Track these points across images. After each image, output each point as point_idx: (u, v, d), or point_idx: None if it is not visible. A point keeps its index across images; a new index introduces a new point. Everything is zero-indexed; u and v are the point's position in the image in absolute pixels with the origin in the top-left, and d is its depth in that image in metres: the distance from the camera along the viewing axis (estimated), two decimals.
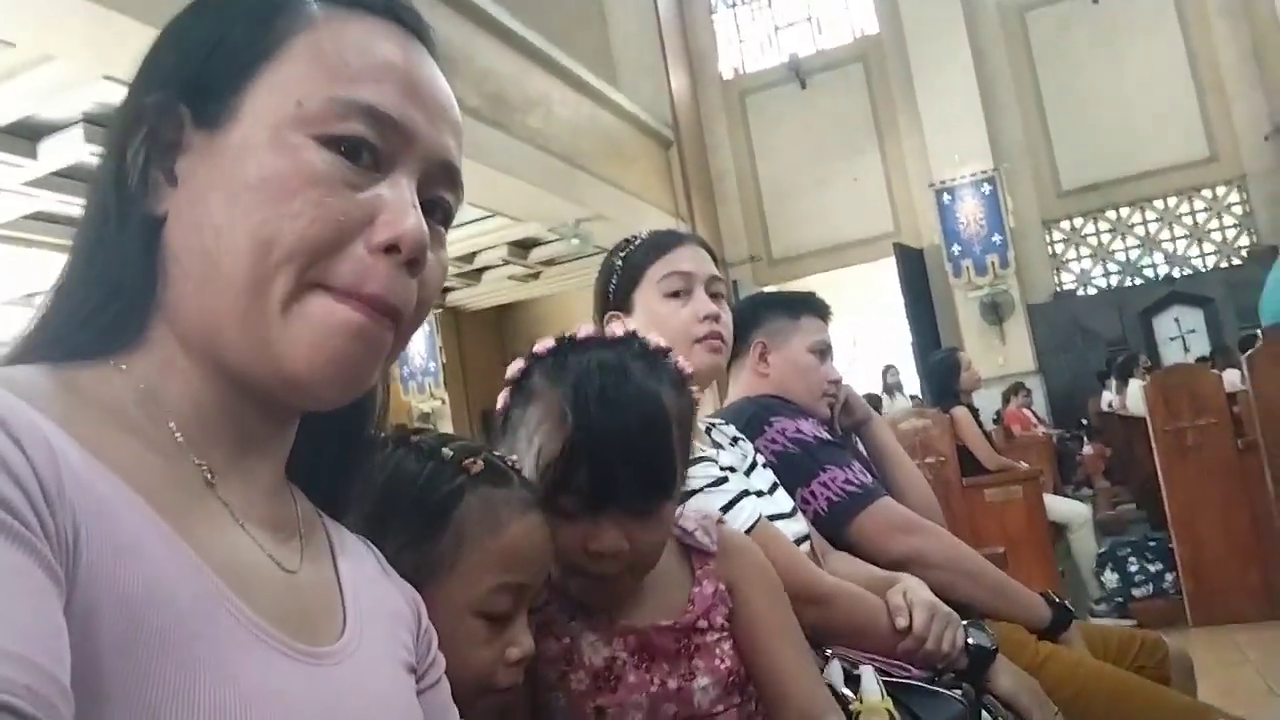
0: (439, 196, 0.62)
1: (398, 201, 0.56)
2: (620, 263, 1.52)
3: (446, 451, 0.85)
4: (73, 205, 6.26)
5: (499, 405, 0.98)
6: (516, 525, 0.83)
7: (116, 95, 5.07)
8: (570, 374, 0.90)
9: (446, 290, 10.78)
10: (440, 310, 10.97)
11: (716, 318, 1.46)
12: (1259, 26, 8.79)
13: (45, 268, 7.17)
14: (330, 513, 0.70)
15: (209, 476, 0.56)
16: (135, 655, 0.44)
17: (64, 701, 0.37)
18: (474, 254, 9.61)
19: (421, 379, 10.97)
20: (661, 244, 1.52)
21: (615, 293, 1.51)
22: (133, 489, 0.49)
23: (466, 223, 8.41)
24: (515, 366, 0.97)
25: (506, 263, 9.81)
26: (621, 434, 0.87)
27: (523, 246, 9.53)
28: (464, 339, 11.49)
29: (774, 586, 1.05)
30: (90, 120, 5.37)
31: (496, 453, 0.88)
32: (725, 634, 0.96)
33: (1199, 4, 9.25)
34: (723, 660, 0.94)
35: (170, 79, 0.58)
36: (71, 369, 0.55)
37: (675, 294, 1.47)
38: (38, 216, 6.45)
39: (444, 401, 11.01)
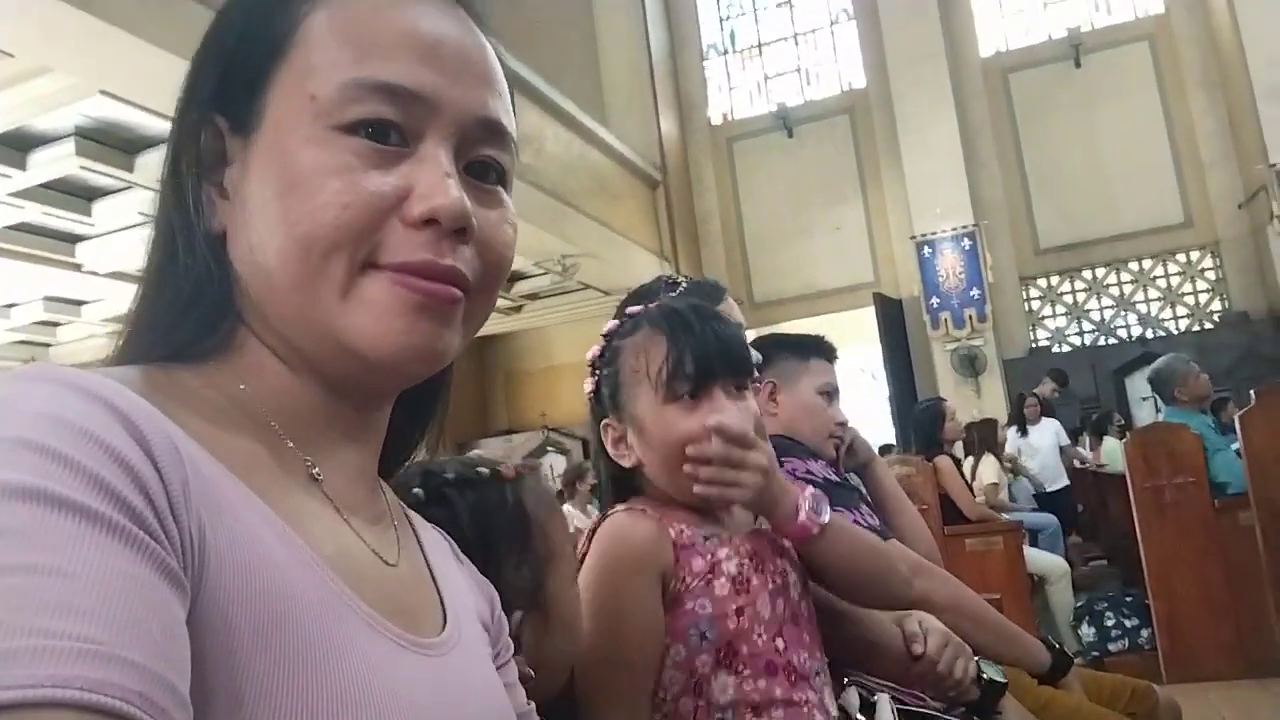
0: (486, 156, 0.58)
1: (429, 174, 0.53)
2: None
3: (483, 471, 0.94)
4: (57, 218, 6.21)
5: (589, 357, 1.21)
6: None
7: (111, 110, 5.03)
8: (653, 309, 1.18)
9: None
10: None
11: None
12: (1235, 99, 9.04)
13: (23, 279, 7.09)
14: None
15: (315, 472, 0.56)
16: (272, 647, 0.43)
17: (179, 708, 0.37)
18: None
19: None
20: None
21: None
22: (247, 485, 0.49)
23: None
24: (608, 326, 1.22)
25: None
26: (705, 316, 1.13)
27: (507, 279, 9.54)
28: None
29: None
30: (82, 134, 5.35)
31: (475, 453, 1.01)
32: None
33: (1178, 75, 9.53)
34: (796, 557, 1.18)
35: (205, 89, 0.57)
36: (175, 369, 0.54)
37: None
38: (20, 228, 6.39)
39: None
